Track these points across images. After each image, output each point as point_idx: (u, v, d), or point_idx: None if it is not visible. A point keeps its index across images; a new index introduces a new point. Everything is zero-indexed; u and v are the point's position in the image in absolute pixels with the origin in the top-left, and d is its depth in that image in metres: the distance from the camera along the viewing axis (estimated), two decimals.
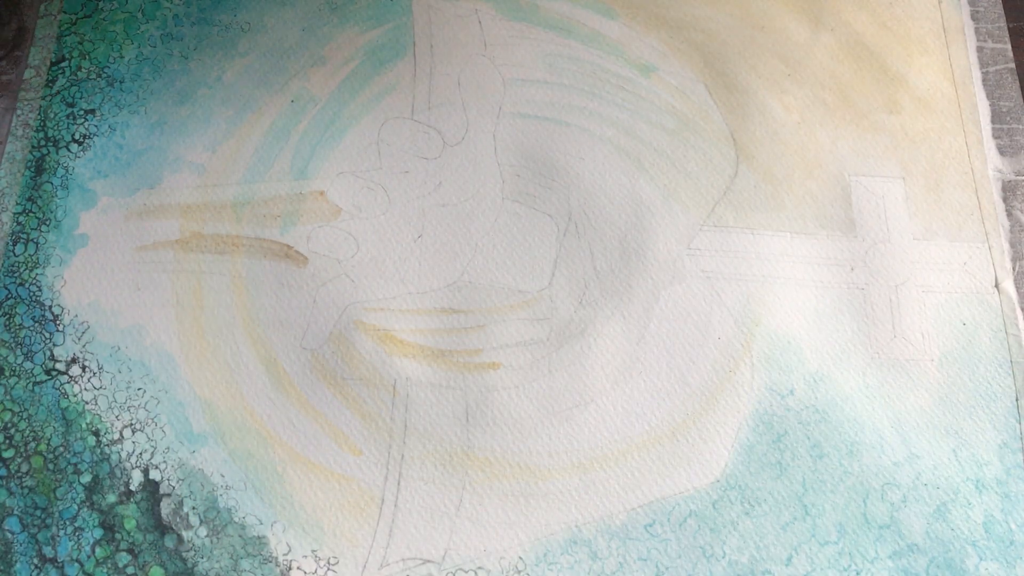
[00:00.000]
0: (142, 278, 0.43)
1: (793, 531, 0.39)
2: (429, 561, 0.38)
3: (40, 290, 0.42)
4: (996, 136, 0.48)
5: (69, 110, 0.46)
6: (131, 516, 0.38)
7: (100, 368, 0.41)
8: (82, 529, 0.38)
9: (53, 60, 0.48)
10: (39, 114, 0.46)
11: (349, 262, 0.43)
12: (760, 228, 0.45)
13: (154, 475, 0.39)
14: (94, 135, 0.46)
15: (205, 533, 0.38)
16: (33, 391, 0.40)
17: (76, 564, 0.37)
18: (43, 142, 0.46)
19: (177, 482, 0.39)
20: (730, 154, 0.46)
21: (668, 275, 0.43)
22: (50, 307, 0.42)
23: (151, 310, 0.42)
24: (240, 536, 0.38)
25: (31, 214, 0.44)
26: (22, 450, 0.39)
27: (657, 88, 0.48)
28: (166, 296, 0.42)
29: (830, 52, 0.49)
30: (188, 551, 0.38)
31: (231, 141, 0.46)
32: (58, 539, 0.38)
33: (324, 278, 0.43)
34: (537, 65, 0.48)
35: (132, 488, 0.39)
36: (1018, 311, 0.43)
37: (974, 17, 0.51)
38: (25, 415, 0.40)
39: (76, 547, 0.38)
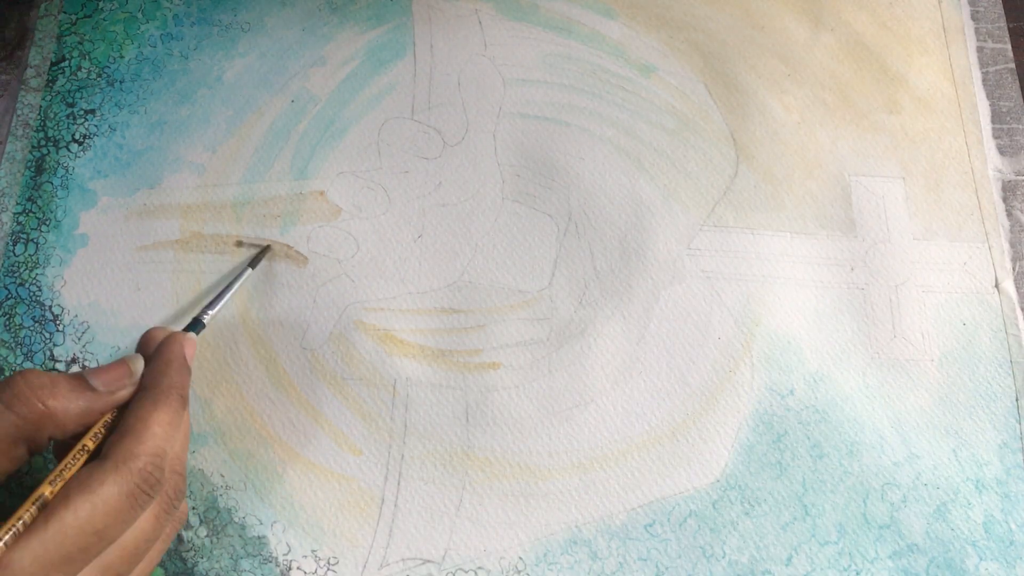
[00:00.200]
0: (142, 278, 0.43)
1: (793, 531, 0.39)
2: (429, 561, 0.38)
3: (40, 290, 0.42)
4: (996, 136, 0.48)
5: (69, 110, 0.46)
6: None
7: None
8: None
9: (53, 60, 0.48)
10: (39, 114, 0.46)
11: (349, 262, 0.43)
12: (760, 228, 0.45)
13: None
14: (94, 135, 0.46)
15: (205, 533, 0.38)
16: None
17: None
18: (43, 142, 0.46)
19: None
20: (730, 154, 0.46)
21: (668, 275, 0.43)
22: (50, 307, 0.42)
23: (151, 310, 0.42)
24: (240, 536, 0.38)
25: (31, 214, 0.44)
26: None
27: (657, 88, 0.48)
28: (166, 296, 0.42)
29: (830, 52, 0.49)
30: (188, 551, 0.38)
31: (231, 141, 0.46)
32: None
33: (324, 278, 0.43)
34: (537, 65, 0.48)
35: None
36: (1018, 311, 0.43)
37: (974, 17, 0.51)
38: None
39: None
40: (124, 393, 0.32)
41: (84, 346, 0.41)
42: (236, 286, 0.41)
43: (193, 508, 0.38)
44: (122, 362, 0.33)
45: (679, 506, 0.39)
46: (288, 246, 0.44)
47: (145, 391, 0.32)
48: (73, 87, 0.47)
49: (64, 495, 0.28)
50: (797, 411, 0.41)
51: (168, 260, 0.43)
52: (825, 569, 0.38)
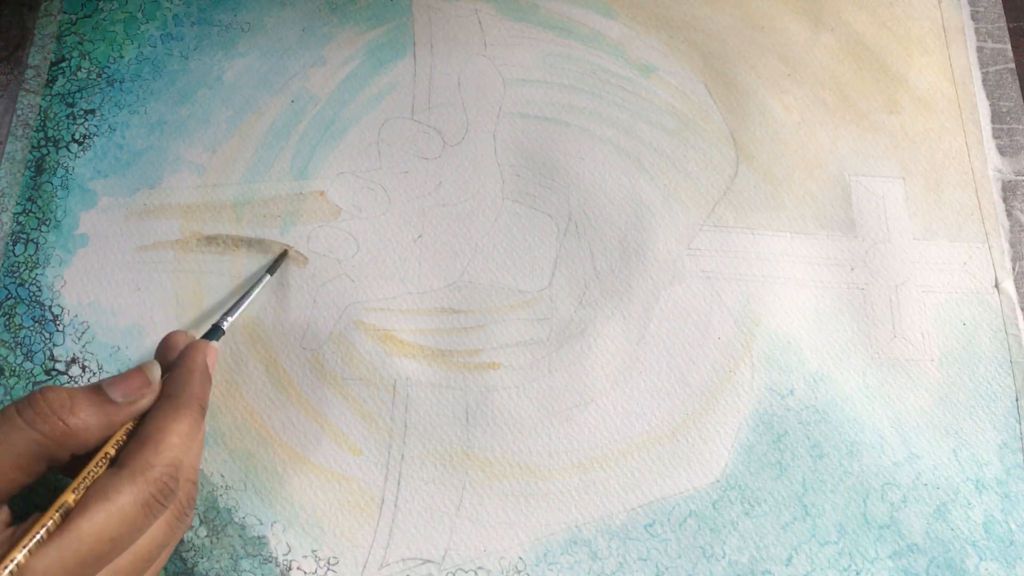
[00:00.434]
0: (142, 278, 0.43)
1: (793, 531, 0.39)
2: (429, 561, 0.38)
3: (40, 290, 0.42)
4: (996, 136, 0.48)
5: (69, 110, 0.46)
6: None
7: (100, 368, 0.41)
8: None
9: (53, 60, 0.48)
10: (39, 114, 0.46)
11: (349, 262, 0.43)
12: (760, 228, 0.45)
13: None
14: (94, 135, 0.46)
15: (205, 533, 0.38)
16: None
17: None
18: (43, 142, 0.46)
19: None
20: (730, 154, 0.46)
21: (668, 275, 0.43)
22: (50, 307, 0.42)
23: (151, 310, 0.42)
24: (240, 536, 0.38)
25: (31, 214, 0.44)
26: None
27: (657, 88, 0.48)
28: (166, 296, 0.42)
29: (830, 52, 0.49)
30: (188, 551, 0.38)
31: (231, 141, 0.46)
32: None
33: (324, 278, 0.43)
34: (537, 65, 0.48)
35: None
36: (1018, 311, 0.43)
37: (974, 17, 0.51)
38: None
39: None
40: (144, 403, 0.32)
41: (84, 346, 0.41)
42: (255, 292, 0.40)
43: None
44: (139, 371, 0.33)
45: (679, 506, 0.39)
46: (288, 246, 0.44)
47: (166, 400, 0.32)
48: (73, 87, 0.47)
49: (82, 503, 0.28)
50: (797, 411, 0.41)
51: (168, 260, 0.43)
52: (825, 569, 0.38)
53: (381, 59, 0.48)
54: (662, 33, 0.49)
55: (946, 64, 0.49)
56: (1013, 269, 0.44)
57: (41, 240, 0.43)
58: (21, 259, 0.43)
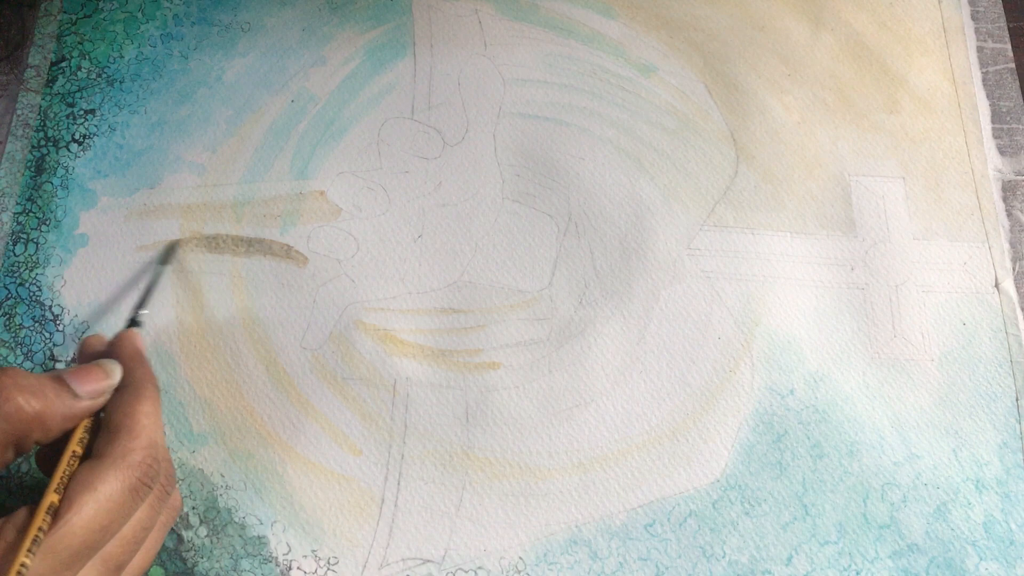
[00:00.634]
0: (142, 278, 0.43)
1: (793, 531, 0.39)
2: (429, 561, 0.38)
3: (40, 290, 0.42)
4: (996, 136, 0.48)
5: (69, 110, 0.46)
6: None
7: None
8: None
9: (53, 60, 0.48)
10: (39, 114, 0.46)
11: (349, 262, 0.43)
12: (760, 228, 0.45)
13: None
14: (94, 135, 0.46)
15: (205, 533, 0.38)
16: None
17: None
18: (43, 142, 0.46)
19: (177, 482, 0.39)
20: (730, 154, 0.46)
21: (668, 275, 0.43)
22: (50, 307, 0.42)
23: (151, 310, 0.42)
24: (240, 536, 0.38)
25: (31, 214, 0.44)
26: None
27: (657, 88, 0.48)
28: (166, 296, 0.42)
29: (830, 52, 0.49)
30: (188, 551, 0.38)
31: (231, 141, 0.46)
32: None
33: (324, 278, 0.43)
34: (537, 65, 0.48)
35: None
36: (1018, 311, 0.43)
37: (974, 17, 0.51)
38: None
39: None
40: (103, 400, 0.33)
41: None
42: (155, 284, 0.41)
43: (193, 508, 0.38)
44: (99, 368, 0.33)
45: (679, 506, 0.39)
46: (288, 246, 0.44)
47: (124, 388, 0.33)
48: (73, 87, 0.47)
49: (68, 498, 0.29)
50: (797, 411, 0.41)
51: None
52: (825, 569, 0.38)
53: (381, 59, 0.48)
54: (662, 33, 0.49)
55: (946, 64, 0.49)
56: (1013, 269, 0.44)
57: (41, 240, 0.43)
58: (21, 259, 0.43)
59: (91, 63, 0.48)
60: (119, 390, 0.33)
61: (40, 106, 0.46)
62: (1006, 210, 0.46)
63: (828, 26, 0.50)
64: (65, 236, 0.44)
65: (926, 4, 0.51)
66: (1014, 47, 0.50)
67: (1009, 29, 0.50)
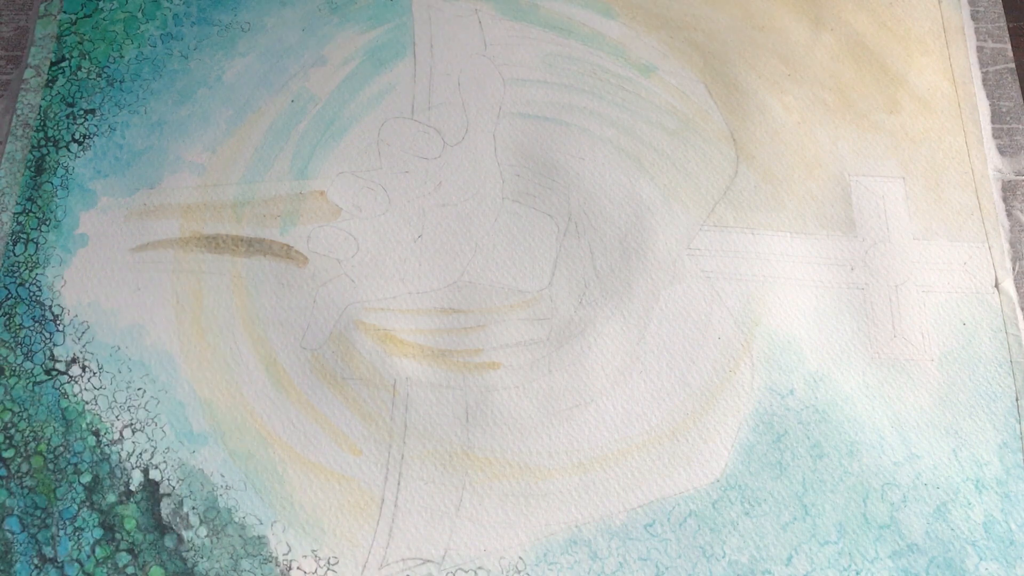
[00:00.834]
0: (142, 278, 0.43)
1: (793, 531, 0.39)
2: (429, 561, 0.38)
3: (40, 290, 0.42)
4: (996, 136, 0.48)
5: (69, 110, 0.46)
6: (131, 516, 0.38)
7: (100, 368, 0.41)
8: (82, 529, 0.38)
9: (53, 60, 0.48)
10: (39, 114, 0.46)
11: (349, 262, 0.43)
12: (760, 228, 0.45)
13: (154, 475, 0.39)
14: (94, 135, 0.46)
15: (205, 533, 0.38)
16: (33, 391, 0.40)
17: (76, 564, 0.38)
18: (43, 142, 0.46)
19: (177, 482, 0.39)
20: (730, 154, 0.46)
21: (668, 275, 0.43)
22: (50, 307, 0.42)
23: (151, 310, 0.42)
24: (240, 536, 0.38)
25: (31, 214, 0.44)
26: (22, 450, 0.39)
27: (657, 88, 0.48)
28: (166, 296, 0.42)
29: (830, 52, 0.49)
30: (188, 551, 0.38)
31: (231, 141, 0.46)
32: (58, 539, 0.38)
33: (324, 278, 0.43)
34: (537, 65, 0.48)
35: (132, 488, 0.39)
36: (1018, 311, 0.43)
37: (974, 17, 0.51)
38: (25, 415, 0.40)
39: (76, 547, 0.38)
40: None
41: (84, 346, 0.41)
42: None
43: (193, 508, 0.38)
44: None
45: (679, 506, 0.39)
46: (288, 246, 0.44)
47: None
48: (73, 87, 0.47)
49: None
50: (797, 411, 0.41)
51: (168, 260, 0.43)
52: (825, 569, 0.38)
53: (381, 59, 0.48)
54: (662, 33, 0.49)
55: (946, 64, 0.49)
56: (1013, 269, 0.44)
57: (41, 240, 0.43)
58: (21, 259, 0.43)
59: (91, 63, 0.48)
60: None
61: (40, 106, 0.46)
62: (1006, 210, 0.46)
63: (828, 26, 0.50)
64: (65, 236, 0.44)
65: (926, 4, 0.51)
66: (1014, 47, 0.50)
67: (1009, 29, 0.50)
